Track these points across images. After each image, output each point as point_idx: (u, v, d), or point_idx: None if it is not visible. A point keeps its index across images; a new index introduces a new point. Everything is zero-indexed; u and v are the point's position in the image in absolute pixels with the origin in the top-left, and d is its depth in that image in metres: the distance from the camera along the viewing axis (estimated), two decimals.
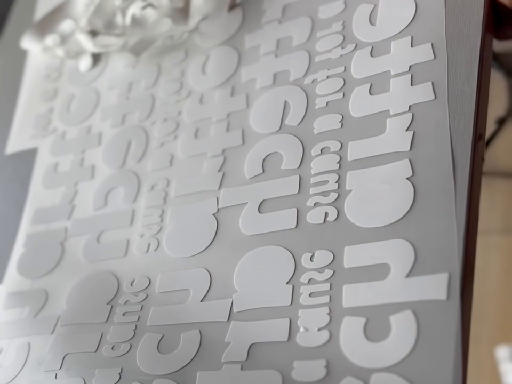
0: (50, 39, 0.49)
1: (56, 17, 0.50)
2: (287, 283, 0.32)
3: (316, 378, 0.29)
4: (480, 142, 0.32)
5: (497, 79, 1.10)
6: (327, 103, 0.36)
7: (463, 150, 0.31)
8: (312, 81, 0.38)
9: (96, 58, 0.48)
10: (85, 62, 0.48)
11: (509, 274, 0.99)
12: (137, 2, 0.44)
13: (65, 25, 0.49)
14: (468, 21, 0.35)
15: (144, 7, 0.44)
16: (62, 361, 0.36)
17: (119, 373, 0.33)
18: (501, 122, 1.06)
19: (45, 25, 0.50)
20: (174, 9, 0.44)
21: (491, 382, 0.90)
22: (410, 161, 0.32)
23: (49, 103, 0.49)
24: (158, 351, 0.33)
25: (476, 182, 0.30)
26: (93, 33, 0.45)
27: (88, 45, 0.46)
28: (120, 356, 0.34)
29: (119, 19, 0.46)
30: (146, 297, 0.36)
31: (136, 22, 0.44)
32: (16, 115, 0.51)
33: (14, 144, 0.49)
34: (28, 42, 0.50)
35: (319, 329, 0.30)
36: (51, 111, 0.48)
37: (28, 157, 0.47)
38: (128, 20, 0.44)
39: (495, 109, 1.06)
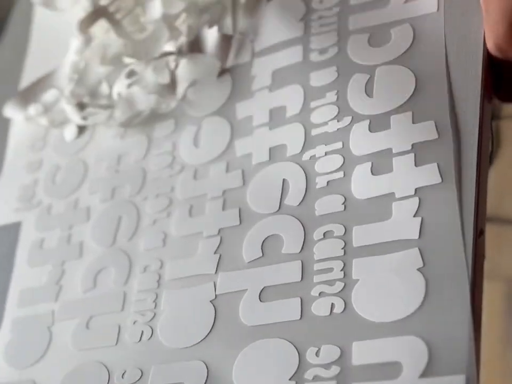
0: (33, 109, 0.47)
1: (40, 86, 0.48)
2: (290, 379, 0.30)
3: None
4: (481, 237, 0.31)
5: None
6: (327, 182, 0.35)
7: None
8: (310, 157, 0.36)
9: (82, 127, 0.46)
10: (70, 132, 0.47)
11: (493, 322, 0.98)
12: (122, 80, 0.43)
13: (49, 95, 0.48)
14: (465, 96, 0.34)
15: (129, 85, 0.42)
16: None
17: None
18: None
19: (29, 95, 0.48)
20: (160, 85, 0.42)
21: None
22: (420, 250, 0.31)
23: (34, 174, 0.47)
24: None
25: (478, 282, 0.29)
26: (80, 106, 0.44)
27: (75, 117, 0.44)
28: None
29: (104, 88, 0.44)
30: None
31: (122, 98, 0.43)
32: (0, 185, 0.48)
33: None
34: (11, 111, 0.49)
35: None
36: (36, 183, 0.46)
37: (11, 232, 0.45)
38: (115, 96, 0.43)
39: None
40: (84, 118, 0.45)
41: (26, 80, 0.52)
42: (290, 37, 0.41)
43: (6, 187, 0.48)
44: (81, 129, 0.47)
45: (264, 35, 0.42)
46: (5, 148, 0.50)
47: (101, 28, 0.46)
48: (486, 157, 0.33)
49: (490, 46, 0.33)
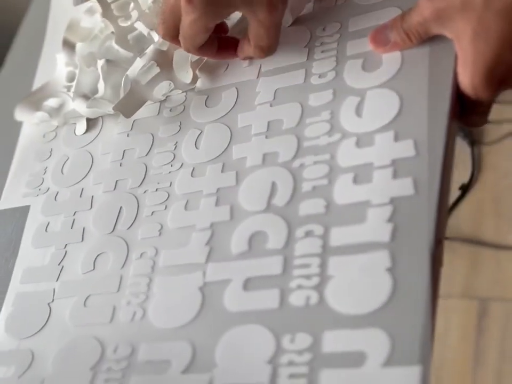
0: (40, 115, 0.51)
1: (41, 95, 0.52)
2: (267, 363, 0.34)
3: None
4: (439, 246, 0.34)
5: (463, 146, 1.14)
6: (313, 187, 0.39)
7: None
8: (300, 165, 0.40)
9: (91, 123, 0.50)
10: (80, 126, 0.50)
11: (466, 339, 1.02)
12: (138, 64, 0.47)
13: (52, 102, 0.52)
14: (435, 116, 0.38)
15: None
16: None
17: None
18: (464, 189, 1.10)
19: (34, 101, 0.52)
20: (157, 51, 0.46)
21: None
22: (390, 252, 0.34)
23: (44, 163, 0.51)
24: None
25: (435, 283, 0.33)
26: (86, 97, 0.48)
27: (83, 109, 0.48)
28: None
29: (101, 85, 0.48)
30: (128, 365, 0.37)
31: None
32: (10, 173, 0.52)
33: (6, 201, 0.50)
34: (21, 115, 0.52)
35: None
36: (45, 171, 0.50)
37: (19, 215, 0.48)
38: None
39: (460, 175, 1.11)
40: (91, 111, 0.49)
41: (39, 80, 0.56)
42: (294, 62, 0.45)
43: (17, 173, 0.52)
44: (91, 125, 0.50)
45: (272, 58, 0.45)
46: (17, 137, 0.54)
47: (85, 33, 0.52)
48: (449, 172, 0.36)
49: (466, 84, 0.37)
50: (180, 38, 0.43)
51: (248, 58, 0.46)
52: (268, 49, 0.44)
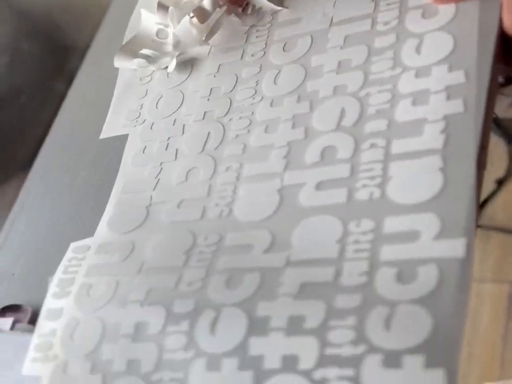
0: (137, 62, 0.60)
1: (137, 45, 0.61)
2: (336, 242, 0.41)
3: (353, 305, 0.37)
4: (483, 151, 0.41)
5: (500, 143, 1.22)
6: (377, 111, 0.46)
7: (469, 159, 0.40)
8: (366, 94, 0.47)
9: (182, 67, 0.58)
10: (172, 67, 0.58)
11: (496, 321, 1.08)
12: None
13: (146, 51, 0.60)
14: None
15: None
16: (146, 294, 0.44)
17: (194, 303, 0.42)
18: (500, 182, 1.19)
19: (130, 50, 0.60)
20: None
21: None
22: (442, 156, 0.41)
23: (140, 100, 0.59)
24: (226, 286, 0.42)
25: (480, 178, 0.39)
26: (176, 46, 0.56)
27: (174, 54, 0.56)
28: (195, 290, 0.43)
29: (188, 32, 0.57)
30: (217, 249, 0.44)
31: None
32: (110, 109, 0.60)
33: (107, 131, 0.59)
34: (119, 62, 0.61)
35: (359, 274, 0.38)
36: (141, 107, 0.58)
37: (119, 142, 0.57)
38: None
39: (496, 170, 1.18)
40: (181, 57, 0.57)
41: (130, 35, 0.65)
42: (362, 13, 0.51)
43: (116, 110, 0.60)
44: (181, 69, 0.58)
45: (342, 10, 0.53)
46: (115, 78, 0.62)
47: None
48: (493, 97, 0.43)
49: (508, 26, 0.44)
50: None
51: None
52: None
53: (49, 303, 0.47)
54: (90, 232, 0.51)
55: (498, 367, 1.06)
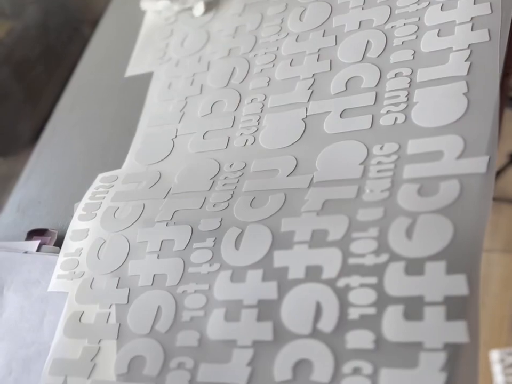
0: (162, 3, 0.60)
1: None
2: (359, 164, 0.41)
3: (375, 217, 0.38)
4: (507, 77, 0.41)
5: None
6: (402, 42, 0.46)
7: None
8: (392, 27, 0.48)
9: (208, 7, 0.59)
10: (198, 9, 0.59)
11: (506, 287, 1.10)
12: None
13: None
14: None
15: None
16: (172, 215, 0.45)
17: (220, 221, 0.43)
18: None
19: None
20: None
21: (485, 382, 1.00)
22: (466, 82, 0.41)
23: (165, 40, 0.60)
24: (251, 206, 0.43)
25: (502, 105, 0.40)
26: None
27: None
28: (220, 210, 0.43)
29: None
30: (242, 174, 0.45)
31: None
32: (136, 48, 0.61)
33: (133, 69, 0.60)
34: (146, 4, 0.62)
35: (382, 191, 0.39)
36: (167, 46, 0.59)
37: (144, 79, 0.58)
38: None
39: (508, 144, 1.20)
40: None
41: None
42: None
43: (142, 48, 0.61)
44: (207, 9, 0.59)
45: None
46: (142, 18, 0.63)
47: None
48: None
49: None
50: None
51: None
52: None
53: (75, 225, 0.48)
54: (116, 163, 0.52)
55: (506, 334, 1.07)
